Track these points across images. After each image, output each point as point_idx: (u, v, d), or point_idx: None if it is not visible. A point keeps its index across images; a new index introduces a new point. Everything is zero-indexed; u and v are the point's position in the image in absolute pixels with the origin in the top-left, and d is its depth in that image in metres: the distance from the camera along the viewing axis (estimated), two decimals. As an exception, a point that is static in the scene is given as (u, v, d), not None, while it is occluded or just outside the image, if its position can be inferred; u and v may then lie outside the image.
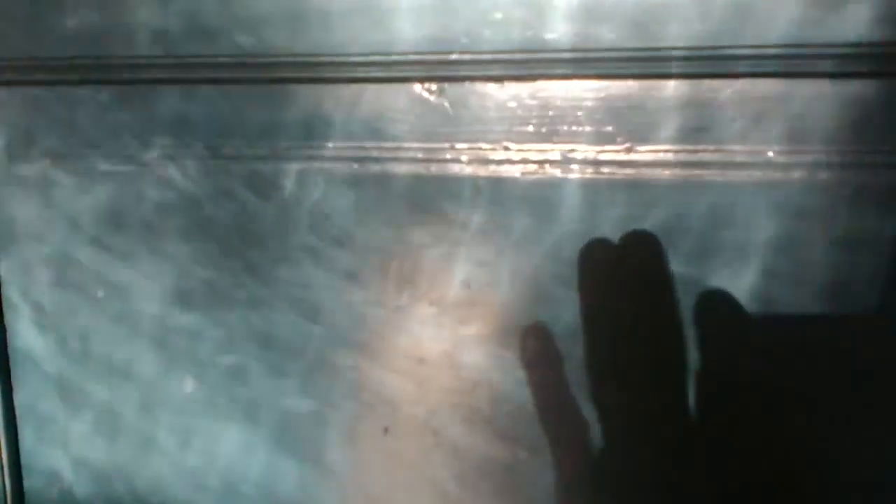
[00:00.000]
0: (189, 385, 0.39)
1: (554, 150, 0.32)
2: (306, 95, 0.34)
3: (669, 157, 0.31)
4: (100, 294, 0.39)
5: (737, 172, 0.31)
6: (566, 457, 0.35)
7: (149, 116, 0.36)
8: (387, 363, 0.36)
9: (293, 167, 0.35)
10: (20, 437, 0.42)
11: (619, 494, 0.35)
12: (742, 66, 0.30)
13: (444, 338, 0.35)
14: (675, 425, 0.33)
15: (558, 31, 0.31)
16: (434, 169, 0.33)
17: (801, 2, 0.28)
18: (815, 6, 0.28)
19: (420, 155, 0.33)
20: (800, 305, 0.31)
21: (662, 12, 0.30)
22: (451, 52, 0.32)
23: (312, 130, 0.34)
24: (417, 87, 0.33)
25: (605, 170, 0.32)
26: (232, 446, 0.39)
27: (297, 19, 0.33)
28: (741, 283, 0.31)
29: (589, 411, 0.34)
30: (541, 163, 0.32)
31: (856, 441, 0.32)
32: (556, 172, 0.32)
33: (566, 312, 0.33)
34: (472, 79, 0.32)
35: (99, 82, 0.36)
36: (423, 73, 0.32)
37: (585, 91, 0.32)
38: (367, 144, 0.34)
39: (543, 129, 0.32)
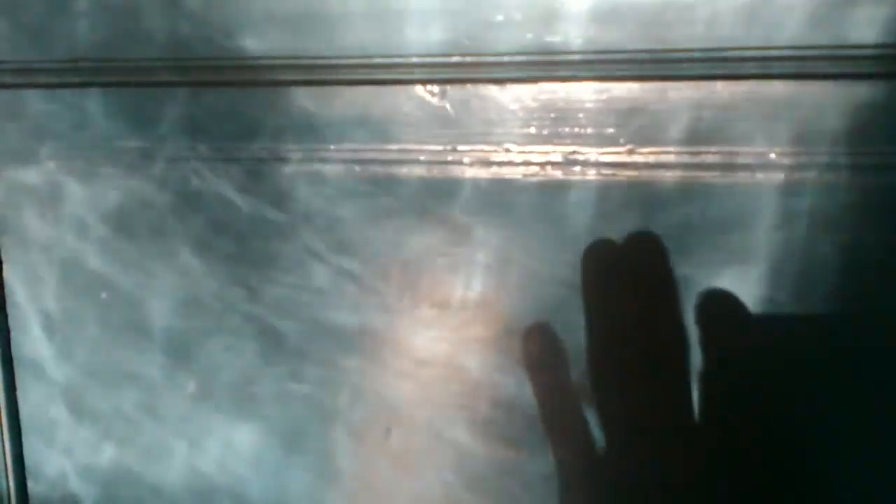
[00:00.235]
0: (194, 390, 0.39)
1: (556, 152, 0.32)
2: (309, 98, 0.34)
3: (672, 158, 0.31)
4: (103, 296, 0.39)
5: (740, 174, 0.31)
6: (568, 459, 0.34)
7: (155, 120, 0.36)
8: (389, 365, 0.36)
9: (295, 169, 0.35)
10: (25, 442, 0.42)
11: (621, 496, 0.34)
12: (747, 69, 0.30)
13: (447, 340, 0.35)
14: (678, 427, 0.33)
15: (561, 33, 0.31)
16: (436, 171, 0.34)
17: (808, 4, 0.28)
18: (821, 8, 0.28)
19: (422, 157, 0.34)
20: (804, 308, 0.31)
21: (667, 14, 0.30)
22: (452, 55, 0.32)
23: (314, 133, 0.34)
24: (419, 90, 0.33)
25: (607, 172, 0.32)
26: (237, 451, 0.39)
27: (299, 23, 0.33)
28: (745, 285, 0.31)
29: (591, 413, 0.34)
30: (543, 165, 0.32)
31: (859, 443, 0.31)
32: (558, 174, 0.32)
33: (569, 314, 0.33)
34: (474, 81, 0.32)
35: (105, 85, 0.36)
36: (425, 76, 0.32)
37: (588, 93, 0.32)
38: (369, 147, 0.34)
39: (545, 132, 0.32)
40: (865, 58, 0.29)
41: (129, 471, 0.41)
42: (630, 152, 0.32)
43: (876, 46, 0.28)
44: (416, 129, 0.33)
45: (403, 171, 0.34)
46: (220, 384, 0.38)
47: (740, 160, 0.31)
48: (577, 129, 0.32)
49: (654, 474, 0.34)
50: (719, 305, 0.32)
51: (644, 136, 0.31)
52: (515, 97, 0.32)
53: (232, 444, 0.39)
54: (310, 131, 0.34)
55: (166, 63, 0.35)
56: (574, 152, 0.32)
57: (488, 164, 0.33)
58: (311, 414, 0.37)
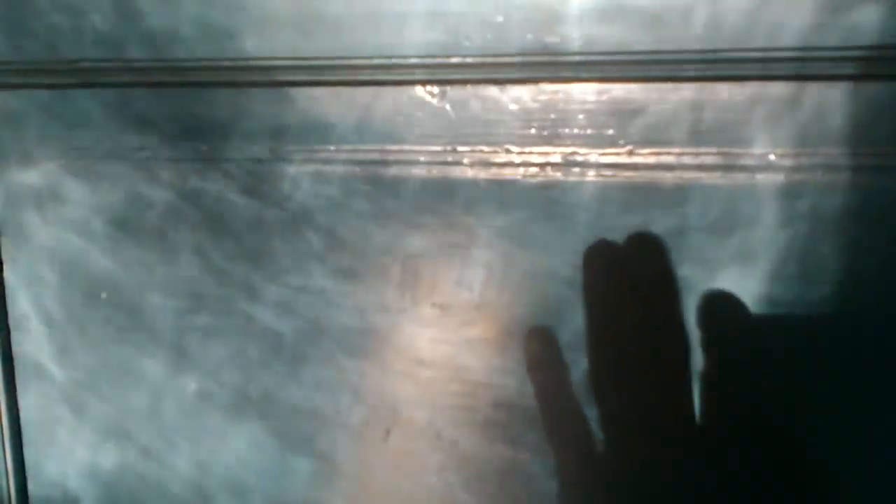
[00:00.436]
0: (195, 390, 0.39)
1: (556, 153, 0.32)
2: (308, 98, 0.34)
3: (671, 159, 0.31)
4: (104, 296, 0.39)
5: (740, 176, 0.31)
6: (569, 460, 0.34)
7: (156, 120, 0.36)
8: (389, 366, 0.36)
9: (296, 170, 0.35)
10: (25, 443, 0.42)
11: (622, 497, 0.34)
12: (748, 70, 0.30)
13: (447, 340, 0.35)
14: (679, 428, 0.33)
15: (561, 34, 0.31)
16: (435, 172, 0.34)
17: (810, 5, 0.28)
18: (822, 10, 0.28)
19: (422, 158, 0.34)
20: (805, 309, 0.31)
21: (667, 15, 0.30)
22: (452, 56, 0.32)
23: (314, 133, 0.34)
24: (419, 90, 0.33)
25: (607, 173, 0.32)
26: (238, 453, 0.39)
27: (300, 23, 0.33)
28: (745, 286, 0.31)
29: (592, 414, 0.33)
30: (542, 165, 0.32)
31: (861, 443, 0.31)
32: (558, 175, 0.32)
33: (569, 315, 0.33)
34: (474, 82, 0.32)
35: (105, 85, 0.36)
36: (425, 77, 0.33)
37: (588, 94, 0.32)
38: (369, 147, 0.34)
39: (545, 132, 0.32)
40: (866, 59, 0.29)
41: (130, 472, 0.41)
42: (630, 153, 0.32)
43: (876, 48, 0.28)
44: (416, 129, 0.33)
45: (403, 171, 0.34)
46: (220, 384, 0.38)
47: (741, 161, 0.31)
48: (577, 130, 0.32)
49: (654, 475, 0.34)
50: (720, 306, 0.32)
51: (644, 138, 0.31)
52: (515, 98, 0.32)
53: (232, 445, 0.39)
54: (310, 132, 0.34)
55: (167, 64, 0.35)
56: (574, 153, 0.32)
57: (488, 164, 0.33)
58: (312, 414, 0.37)
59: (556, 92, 0.32)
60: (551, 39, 0.31)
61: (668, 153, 0.31)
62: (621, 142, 0.32)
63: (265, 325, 0.37)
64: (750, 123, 0.30)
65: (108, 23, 0.35)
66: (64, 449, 0.41)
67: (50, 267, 0.39)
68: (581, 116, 0.32)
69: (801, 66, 0.29)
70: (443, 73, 0.32)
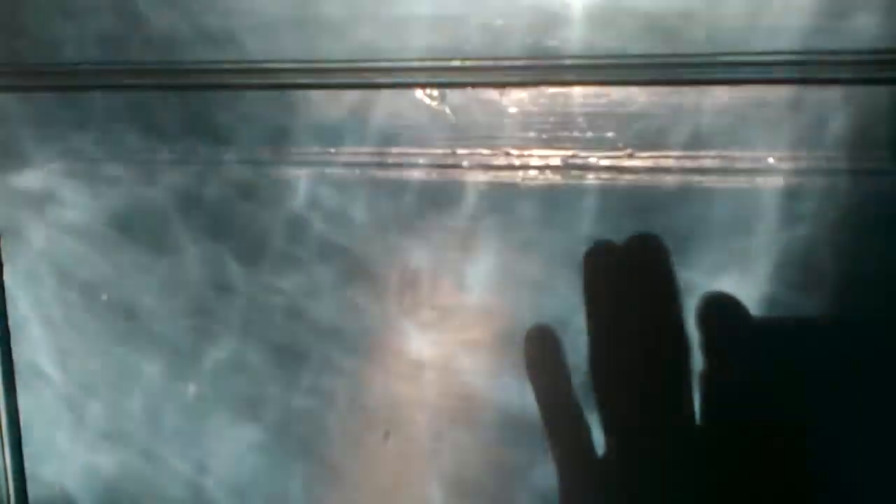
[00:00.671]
0: (194, 393, 0.39)
1: (555, 156, 0.32)
2: (309, 101, 0.34)
3: (671, 163, 0.31)
4: (104, 297, 0.39)
5: (739, 179, 0.31)
6: (569, 462, 0.34)
7: (156, 123, 0.36)
8: (388, 368, 0.36)
9: (296, 172, 0.35)
10: (25, 446, 0.42)
11: (623, 499, 0.34)
12: (747, 74, 0.30)
13: (446, 342, 0.35)
14: (680, 430, 0.33)
15: (561, 37, 0.31)
16: (435, 175, 0.34)
17: (809, 9, 0.28)
18: (822, 13, 0.28)
19: (421, 161, 0.34)
20: (805, 311, 0.31)
21: (667, 19, 0.30)
22: (452, 59, 0.32)
23: (314, 136, 0.34)
24: (419, 94, 0.33)
25: (607, 176, 0.32)
26: (236, 455, 0.39)
27: (300, 26, 0.33)
28: (745, 288, 0.31)
29: (592, 417, 0.33)
30: (542, 168, 0.32)
31: (862, 445, 0.31)
32: (558, 178, 0.32)
33: (569, 317, 0.33)
34: (474, 85, 0.32)
35: (105, 88, 0.36)
36: (425, 80, 0.33)
37: (587, 97, 0.32)
38: (369, 150, 0.34)
39: (545, 135, 0.32)
40: (866, 63, 0.29)
41: (129, 474, 0.41)
42: (630, 156, 0.32)
43: (876, 52, 0.28)
44: (415, 132, 0.33)
45: (403, 174, 0.34)
46: (220, 387, 0.38)
47: (740, 165, 0.31)
48: (576, 133, 0.32)
49: (655, 477, 0.34)
50: (720, 309, 0.31)
51: (644, 141, 0.31)
52: (515, 101, 0.32)
53: (231, 448, 0.39)
54: (310, 134, 0.34)
55: (168, 65, 0.35)
56: (574, 156, 0.32)
57: (488, 167, 0.33)
58: (311, 417, 0.37)
59: (555, 95, 0.32)
60: (551, 43, 0.31)
61: (668, 156, 0.31)
62: (621, 145, 0.32)
63: (264, 328, 0.37)
64: (749, 127, 0.30)
65: (108, 25, 0.35)
66: (63, 451, 0.41)
67: (49, 269, 0.39)
68: (581, 119, 0.32)
69: (800, 69, 0.29)
70: (443, 77, 0.32)
